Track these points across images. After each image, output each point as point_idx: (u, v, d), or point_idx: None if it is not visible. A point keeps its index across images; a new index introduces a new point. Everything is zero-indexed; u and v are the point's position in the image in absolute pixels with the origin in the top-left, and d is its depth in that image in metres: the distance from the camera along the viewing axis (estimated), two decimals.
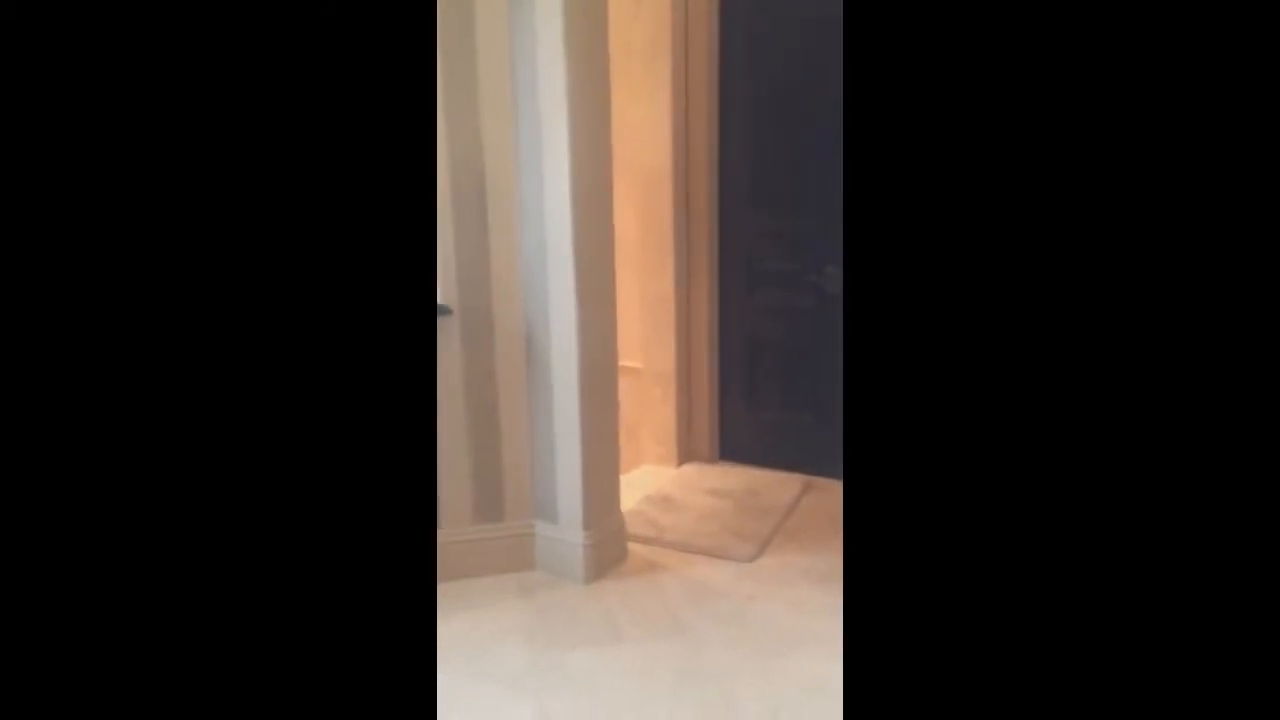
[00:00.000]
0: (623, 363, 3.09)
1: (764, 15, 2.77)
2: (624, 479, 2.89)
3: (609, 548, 2.28)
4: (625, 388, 3.09)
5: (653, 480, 2.93)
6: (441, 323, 2.08)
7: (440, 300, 2.07)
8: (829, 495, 2.77)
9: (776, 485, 2.83)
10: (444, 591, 2.12)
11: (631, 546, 2.40)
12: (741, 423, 3.10)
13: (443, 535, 2.15)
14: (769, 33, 2.78)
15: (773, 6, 2.75)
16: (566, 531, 2.22)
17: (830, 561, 2.30)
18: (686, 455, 3.11)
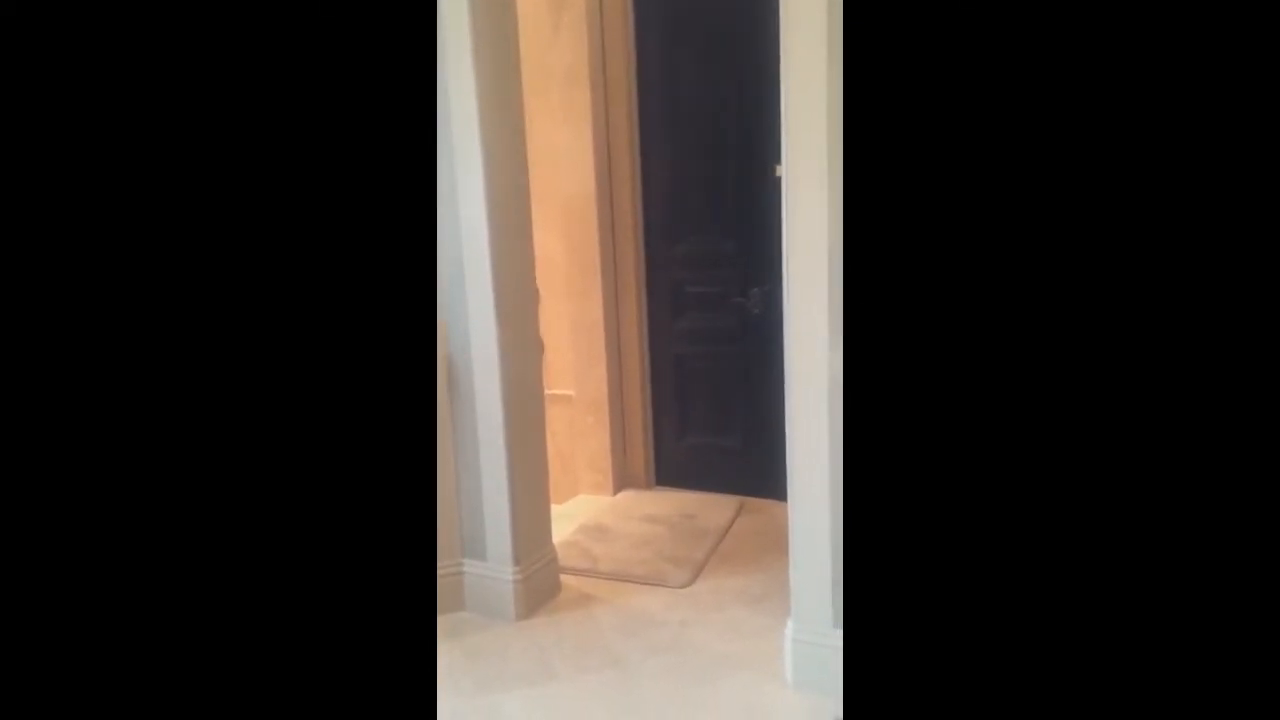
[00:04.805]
0: (555, 390, 3.04)
1: (678, 40, 2.81)
2: (560, 509, 2.83)
3: (540, 583, 2.22)
4: (559, 416, 3.04)
5: (588, 509, 2.88)
6: None
7: None
8: (763, 516, 2.77)
9: (711, 508, 2.82)
10: None
11: (565, 579, 2.34)
12: (675, 447, 3.08)
13: None
14: (684, 57, 2.81)
15: (686, 31, 2.79)
16: (496, 568, 2.15)
17: (764, 582, 2.28)
18: (622, 482, 3.08)
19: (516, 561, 2.13)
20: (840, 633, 1.68)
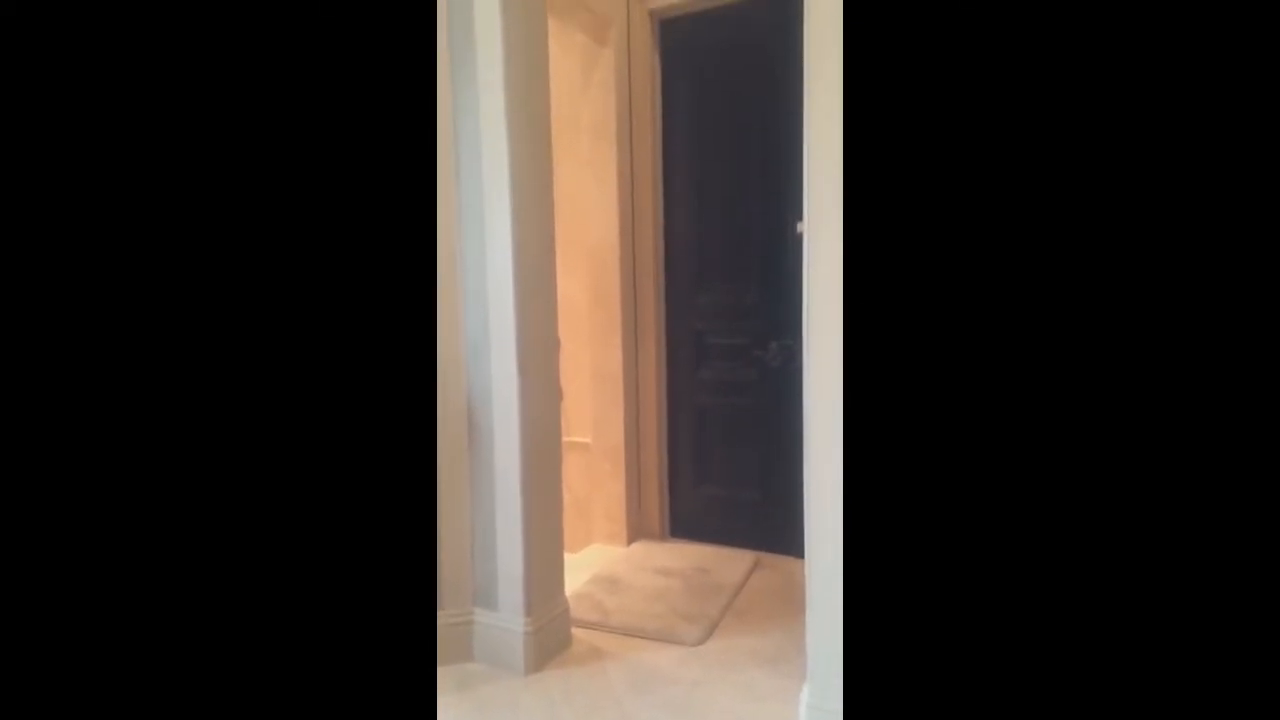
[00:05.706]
0: (573, 438, 3.04)
1: (703, 98, 2.87)
2: (573, 558, 2.80)
3: (552, 635, 2.19)
4: (576, 463, 3.03)
5: (601, 559, 2.85)
6: None
7: None
8: (778, 572, 2.72)
9: (726, 562, 2.77)
10: None
11: (576, 632, 2.30)
12: (691, 499, 3.05)
13: None
14: (709, 115, 2.87)
15: (711, 90, 2.85)
16: (507, 619, 2.12)
17: (779, 642, 2.23)
18: (637, 532, 3.04)
19: (529, 613, 2.10)
20: None
